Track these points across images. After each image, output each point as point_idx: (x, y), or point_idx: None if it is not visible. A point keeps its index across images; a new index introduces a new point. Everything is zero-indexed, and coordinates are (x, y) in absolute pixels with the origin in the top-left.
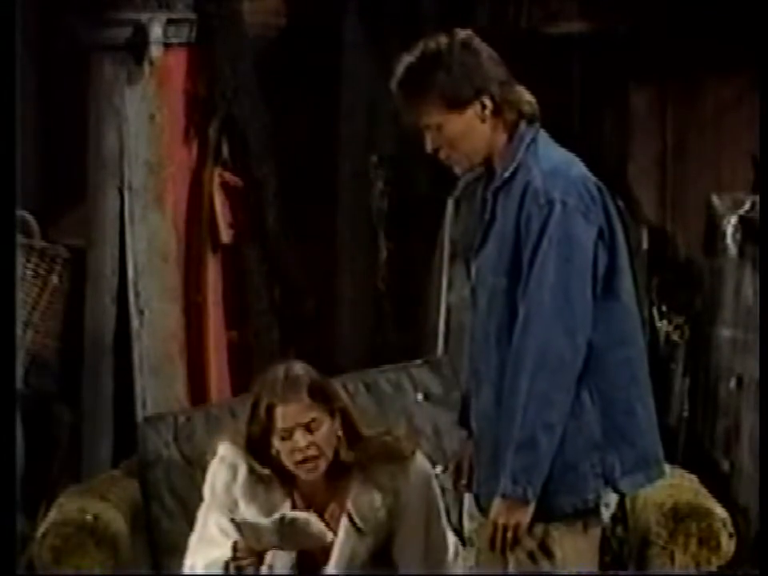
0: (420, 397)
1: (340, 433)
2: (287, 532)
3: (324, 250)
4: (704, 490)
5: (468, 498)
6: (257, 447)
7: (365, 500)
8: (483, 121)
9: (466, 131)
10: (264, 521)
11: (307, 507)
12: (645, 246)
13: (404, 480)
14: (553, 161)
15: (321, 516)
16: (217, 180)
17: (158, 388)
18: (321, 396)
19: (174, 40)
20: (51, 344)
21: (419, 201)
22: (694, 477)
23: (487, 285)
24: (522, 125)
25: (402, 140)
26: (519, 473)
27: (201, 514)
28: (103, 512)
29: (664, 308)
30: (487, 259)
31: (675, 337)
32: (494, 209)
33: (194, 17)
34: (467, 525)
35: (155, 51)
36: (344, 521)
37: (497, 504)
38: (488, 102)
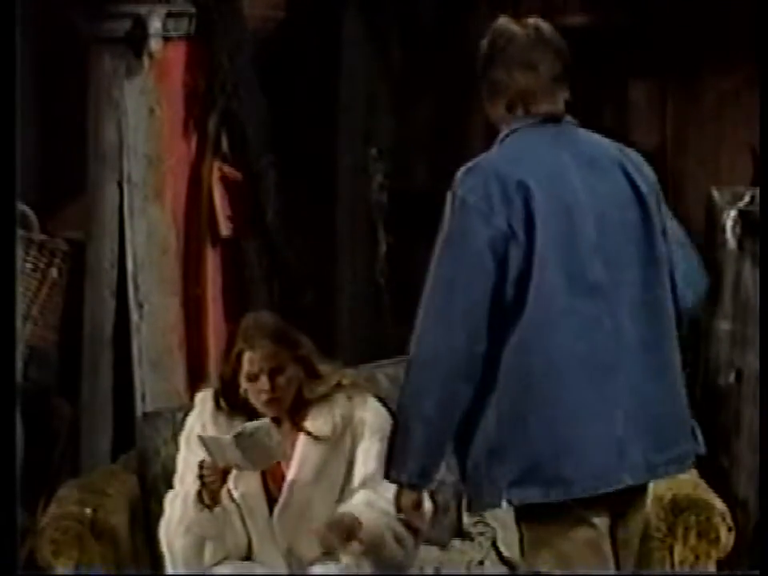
0: None
1: (302, 375)
2: (249, 444)
3: (323, 244)
4: (703, 483)
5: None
6: (227, 387)
7: (321, 417)
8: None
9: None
10: (227, 436)
11: None
12: None
13: (359, 407)
14: (490, 156)
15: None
16: (216, 173)
17: (157, 381)
18: (285, 343)
19: (173, 33)
20: (50, 337)
21: (418, 194)
22: (693, 470)
23: None
24: (512, 116)
25: (401, 133)
26: (395, 458)
27: (178, 464)
28: (102, 506)
29: None
30: None
31: None
32: None
33: (193, 10)
34: (466, 519)
35: (154, 44)
36: (301, 436)
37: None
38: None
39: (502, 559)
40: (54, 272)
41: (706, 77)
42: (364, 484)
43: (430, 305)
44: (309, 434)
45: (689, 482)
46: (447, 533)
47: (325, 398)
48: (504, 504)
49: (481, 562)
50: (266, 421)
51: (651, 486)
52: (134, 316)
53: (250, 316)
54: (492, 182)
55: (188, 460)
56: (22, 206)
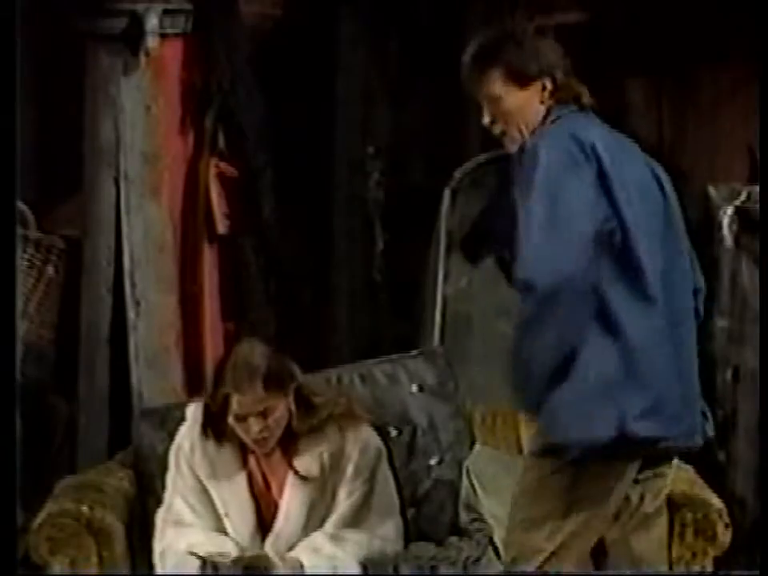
0: (415, 388)
1: (293, 407)
2: (246, 571)
3: (320, 241)
4: (700, 481)
5: (465, 490)
6: (214, 421)
7: (309, 455)
8: (542, 102)
9: (524, 107)
10: (225, 560)
11: (258, 467)
12: None
13: (349, 442)
14: (556, 127)
15: (271, 475)
16: (213, 170)
17: (153, 379)
18: (276, 385)
19: (170, 30)
20: (47, 335)
21: (415, 192)
22: (689, 467)
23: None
24: (557, 105)
25: (398, 130)
26: (516, 388)
27: (167, 482)
28: (99, 503)
29: None
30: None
31: None
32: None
33: (189, 7)
34: (463, 516)
35: (151, 41)
36: (290, 475)
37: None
38: (549, 84)
39: (499, 557)
40: (50, 269)
41: (702, 75)
42: (335, 526)
43: (532, 245)
44: (296, 472)
45: (686, 479)
46: (444, 529)
47: (315, 430)
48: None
49: (477, 559)
50: (263, 554)
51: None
52: (131, 313)
53: (240, 351)
54: (570, 142)
55: (176, 482)
56: (18, 204)
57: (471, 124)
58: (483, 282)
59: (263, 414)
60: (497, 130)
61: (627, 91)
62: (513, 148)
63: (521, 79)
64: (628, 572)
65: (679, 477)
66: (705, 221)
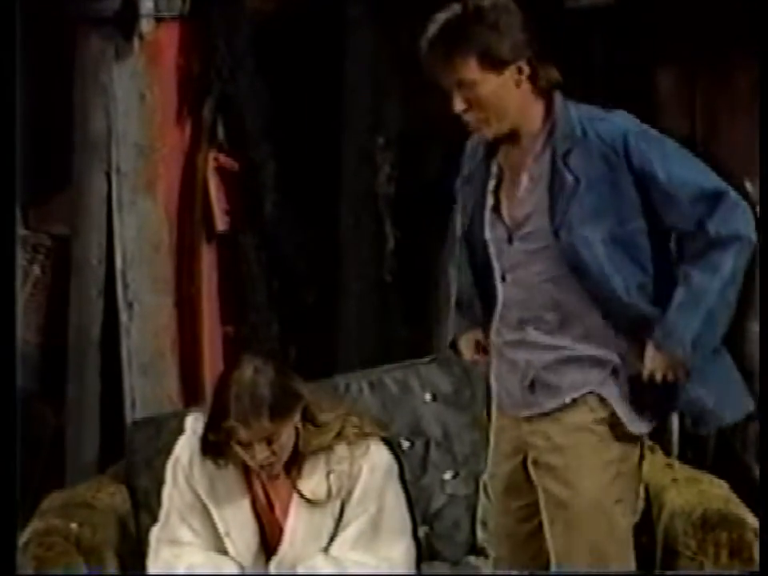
0: (428, 397)
1: (299, 425)
2: None
3: (326, 239)
4: (735, 497)
5: (482, 506)
6: (215, 446)
7: (316, 477)
8: (518, 86)
9: (500, 93)
10: None
11: (262, 486)
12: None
13: (357, 461)
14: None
15: (275, 496)
16: (212, 163)
17: (148, 387)
18: (283, 413)
19: (165, 13)
20: (33, 339)
21: (429, 186)
22: (724, 483)
23: (598, 243)
24: (558, 93)
25: (410, 120)
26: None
27: (163, 497)
28: (89, 520)
29: None
30: (588, 219)
31: None
32: (569, 171)
33: None
34: (480, 535)
35: (146, 25)
36: (295, 497)
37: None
38: (525, 67)
39: None
40: (36, 269)
41: (738, 61)
42: (339, 548)
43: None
44: (301, 495)
45: (720, 496)
46: (460, 549)
47: (323, 449)
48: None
49: None
50: None
51: None
52: (123, 316)
53: (243, 380)
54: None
55: (173, 498)
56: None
57: None
58: None
59: (269, 441)
60: (471, 117)
61: (658, 79)
62: (490, 134)
63: (496, 64)
64: (628, 572)
65: (713, 493)
66: None
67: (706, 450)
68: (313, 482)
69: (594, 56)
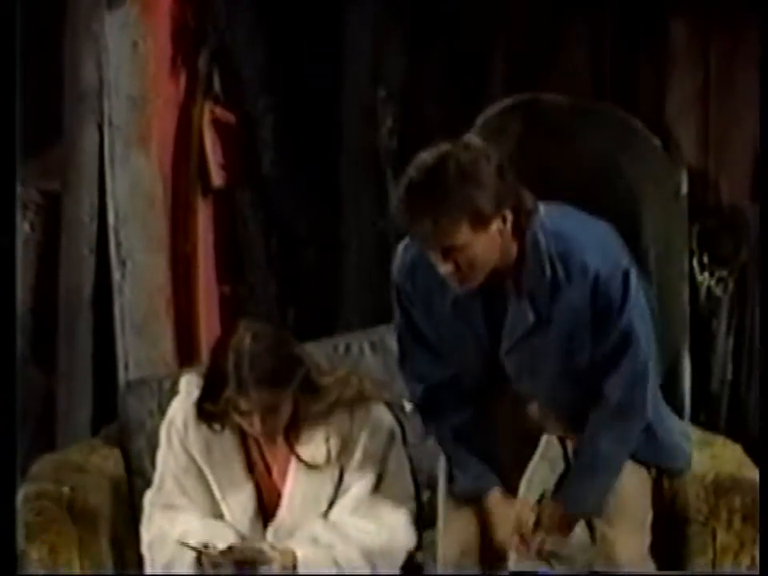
0: None
1: (298, 390)
2: (239, 557)
3: (326, 195)
4: (749, 461)
5: None
6: (213, 415)
7: (314, 442)
8: (501, 234)
9: (488, 247)
10: (214, 551)
11: (259, 450)
12: (684, 190)
13: (355, 427)
14: (578, 238)
15: (273, 460)
16: (207, 116)
17: (141, 348)
18: (283, 382)
19: None
20: (22, 299)
21: (431, 140)
22: (737, 446)
23: (550, 364)
24: (530, 232)
25: (413, 72)
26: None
27: (158, 460)
28: (81, 484)
29: (705, 259)
30: (540, 354)
31: (718, 291)
32: (532, 308)
33: None
34: None
35: None
36: (293, 461)
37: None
38: (509, 215)
39: None
40: (26, 227)
41: (753, 10)
42: (339, 514)
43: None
44: (300, 459)
45: (733, 460)
46: None
47: (322, 414)
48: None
49: None
50: (256, 546)
51: None
52: (116, 275)
53: (242, 348)
54: (614, 242)
55: (167, 461)
56: None
57: (494, 64)
58: None
59: (268, 409)
60: (456, 276)
61: (670, 28)
62: (473, 285)
63: (485, 221)
64: (632, 572)
65: (726, 457)
66: (756, 173)
67: (718, 411)
68: (312, 446)
69: (606, 7)
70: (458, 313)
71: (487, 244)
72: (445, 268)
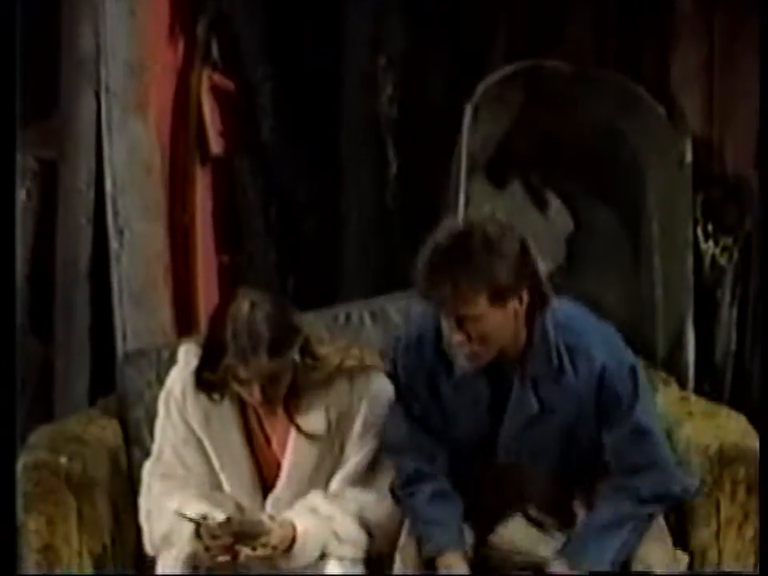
0: None
1: (297, 359)
2: (237, 529)
3: (326, 164)
4: (753, 432)
5: None
6: (212, 384)
7: (314, 412)
8: (516, 315)
9: (502, 325)
10: (212, 522)
11: (258, 420)
12: (689, 158)
13: (355, 396)
14: (586, 332)
15: (272, 430)
16: (206, 83)
17: (139, 318)
18: (282, 350)
19: None
20: (19, 269)
21: (433, 108)
22: (742, 416)
23: (550, 449)
24: (539, 321)
25: (414, 39)
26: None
27: (156, 430)
28: (79, 454)
29: (710, 228)
30: (539, 444)
31: (722, 260)
32: (536, 397)
33: None
34: None
35: None
36: (293, 431)
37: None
38: (525, 296)
39: None
40: (22, 195)
41: None
42: (338, 484)
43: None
44: (299, 429)
45: (737, 430)
46: None
47: (322, 383)
48: None
49: None
50: (255, 519)
51: None
52: (114, 244)
53: (240, 316)
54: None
55: (166, 431)
56: None
57: (496, 31)
58: (508, 208)
59: (268, 378)
60: (466, 349)
61: (676, 7)
62: (480, 365)
63: (504, 296)
64: (638, 572)
65: (730, 427)
66: (760, 141)
67: (723, 382)
68: (311, 416)
69: None
70: (461, 391)
71: (501, 321)
72: (457, 337)
